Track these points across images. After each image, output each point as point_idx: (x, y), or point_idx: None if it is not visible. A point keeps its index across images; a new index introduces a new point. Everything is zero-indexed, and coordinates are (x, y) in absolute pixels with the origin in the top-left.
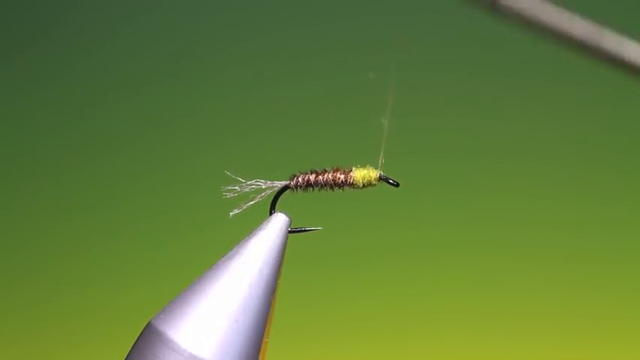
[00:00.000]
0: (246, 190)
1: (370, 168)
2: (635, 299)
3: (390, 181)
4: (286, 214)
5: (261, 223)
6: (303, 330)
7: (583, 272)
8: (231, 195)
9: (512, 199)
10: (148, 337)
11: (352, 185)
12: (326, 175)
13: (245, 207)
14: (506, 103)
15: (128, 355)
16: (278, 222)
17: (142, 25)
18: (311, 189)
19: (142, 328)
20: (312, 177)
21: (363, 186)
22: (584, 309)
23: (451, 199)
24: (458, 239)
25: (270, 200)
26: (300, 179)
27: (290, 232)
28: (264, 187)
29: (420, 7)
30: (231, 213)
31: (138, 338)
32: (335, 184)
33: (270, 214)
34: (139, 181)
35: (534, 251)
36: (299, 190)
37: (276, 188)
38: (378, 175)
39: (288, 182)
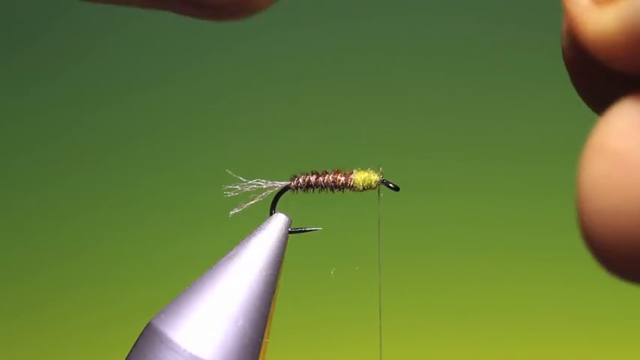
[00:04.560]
0: (247, 189)
1: (371, 171)
2: (636, 299)
3: (391, 185)
4: (286, 215)
5: (261, 224)
6: (303, 330)
7: (584, 272)
8: (232, 194)
9: (512, 200)
10: (148, 337)
11: (352, 188)
12: (326, 177)
13: (245, 206)
14: (507, 103)
15: (128, 355)
16: (278, 222)
17: (143, 24)
18: (311, 190)
19: (142, 329)
20: (312, 178)
21: (364, 189)
22: (585, 309)
23: (451, 199)
24: (458, 239)
25: (271, 200)
26: (300, 180)
27: (290, 232)
28: (264, 187)
29: (421, 7)
30: (230, 212)
31: (138, 338)
32: (335, 186)
33: (271, 214)
34: (139, 180)
35: (535, 251)
36: (299, 190)
37: (276, 188)
38: (378, 178)
39: (288, 183)
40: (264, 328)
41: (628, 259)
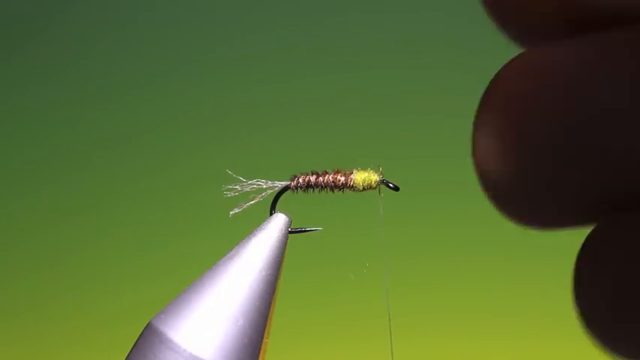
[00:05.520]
0: (247, 189)
1: (371, 171)
2: None
3: (390, 185)
4: (286, 215)
5: (261, 224)
6: (303, 330)
7: None
8: (232, 194)
9: None
10: (148, 337)
11: (352, 188)
12: (326, 177)
13: (245, 206)
14: None
15: (128, 355)
16: (278, 222)
17: (143, 23)
18: (311, 190)
19: (142, 329)
20: (312, 178)
21: (363, 189)
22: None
23: (451, 199)
24: (458, 239)
25: (271, 200)
26: (300, 180)
27: (290, 232)
28: (264, 187)
29: (421, 6)
30: (230, 212)
31: (138, 338)
32: (335, 186)
33: (271, 214)
34: (139, 180)
35: (536, 251)
36: (299, 190)
37: (276, 188)
38: (378, 178)
39: (288, 183)
40: (264, 328)
41: (523, 204)
